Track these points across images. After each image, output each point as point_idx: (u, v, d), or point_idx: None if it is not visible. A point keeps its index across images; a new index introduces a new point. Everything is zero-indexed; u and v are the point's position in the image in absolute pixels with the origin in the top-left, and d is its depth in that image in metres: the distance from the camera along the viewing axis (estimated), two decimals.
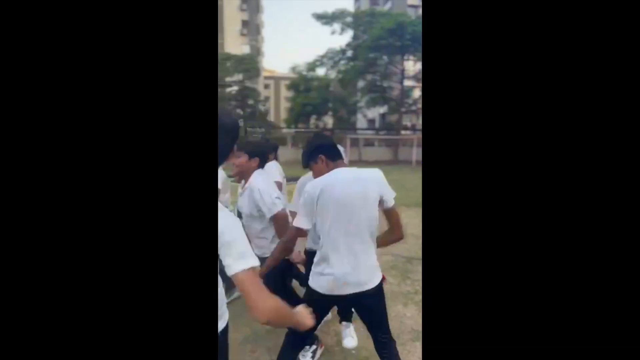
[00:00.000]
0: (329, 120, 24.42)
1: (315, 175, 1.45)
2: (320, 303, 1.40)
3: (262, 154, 1.83)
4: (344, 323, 2.07)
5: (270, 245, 1.81)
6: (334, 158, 1.44)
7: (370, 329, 1.49)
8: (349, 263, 1.34)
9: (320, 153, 1.44)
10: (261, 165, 1.83)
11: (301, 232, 1.41)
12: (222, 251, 0.80)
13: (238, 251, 0.80)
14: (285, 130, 23.91)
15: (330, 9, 20.74)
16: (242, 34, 29.93)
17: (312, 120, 21.89)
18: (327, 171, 1.41)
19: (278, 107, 38.36)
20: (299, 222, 1.38)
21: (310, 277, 1.43)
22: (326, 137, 1.53)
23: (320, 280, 1.38)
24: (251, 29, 30.22)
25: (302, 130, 22.00)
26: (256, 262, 0.82)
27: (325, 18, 20.35)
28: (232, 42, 28.85)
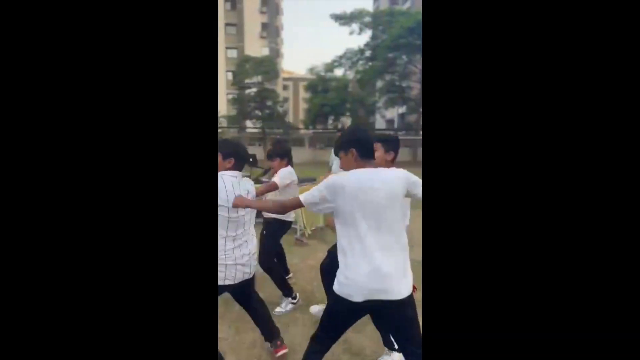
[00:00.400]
0: (347, 121, 24.32)
1: (342, 165, 1.43)
2: (346, 312, 1.34)
3: (238, 156, 1.71)
4: (386, 350, 1.92)
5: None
6: (364, 156, 1.39)
7: (399, 341, 1.41)
8: (374, 266, 1.27)
9: (353, 147, 1.38)
10: (236, 167, 1.71)
11: (297, 206, 1.40)
12: None
13: None
14: (303, 131, 24.03)
15: (349, 9, 20.59)
16: (262, 37, 30.30)
17: (330, 120, 21.86)
18: (355, 166, 1.37)
19: (297, 108, 38.58)
20: (306, 198, 1.34)
21: (335, 283, 1.37)
22: (366, 132, 1.46)
23: (343, 286, 1.32)
24: (271, 31, 30.56)
25: (320, 131, 22.03)
26: None
27: (343, 19, 20.28)
28: (251, 45, 29.27)
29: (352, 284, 1.29)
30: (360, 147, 1.38)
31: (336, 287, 1.35)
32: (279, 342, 1.88)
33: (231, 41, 30.42)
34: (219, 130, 22.36)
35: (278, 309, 2.43)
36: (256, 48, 28.70)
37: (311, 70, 22.26)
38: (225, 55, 30.10)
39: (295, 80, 38.65)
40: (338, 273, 1.35)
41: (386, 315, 1.38)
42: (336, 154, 1.46)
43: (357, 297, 1.28)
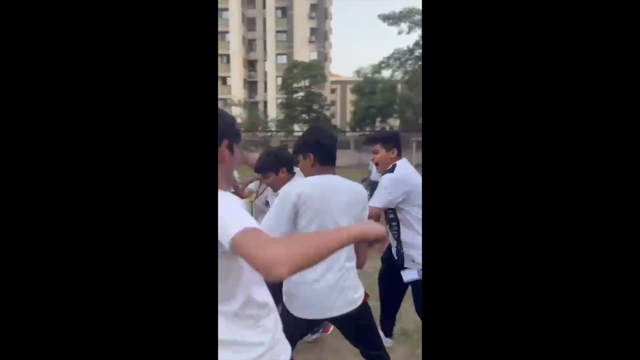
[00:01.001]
0: (395, 122, 23.79)
1: (301, 169, 1.32)
2: (295, 327, 1.24)
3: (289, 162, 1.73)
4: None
5: None
6: (323, 162, 1.23)
7: (357, 346, 1.35)
8: (323, 281, 1.19)
9: (311, 151, 1.23)
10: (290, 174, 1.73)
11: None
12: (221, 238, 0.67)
13: (225, 223, 0.66)
14: (349, 134, 23.97)
15: (397, 8, 20.06)
16: (311, 42, 30.89)
17: (377, 123, 21.53)
18: (313, 172, 1.24)
19: (344, 110, 38.68)
20: (265, 226, 1.18)
21: (283, 295, 1.28)
22: (327, 134, 1.29)
23: (292, 300, 1.24)
24: (319, 35, 31.04)
25: (367, 133, 21.80)
26: (252, 223, 0.66)
27: (392, 18, 19.86)
28: (300, 50, 29.97)
29: (294, 301, 1.23)
30: (319, 152, 1.22)
31: (284, 299, 1.27)
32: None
33: (281, 48, 31.46)
34: (269, 134, 23.21)
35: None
36: (305, 53, 29.30)
37: (358, 72, 22.14)
38: (275, 62, 31.24)
39: (343, 83, 38.81)
40: (284, 284, 1.27)
41: (337, 327, 1.34)
42: (294, 154, 1.34)
43: (300, 314, 1.22)
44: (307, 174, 1.26)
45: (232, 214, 0.69)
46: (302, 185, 1.19)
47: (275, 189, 1.68)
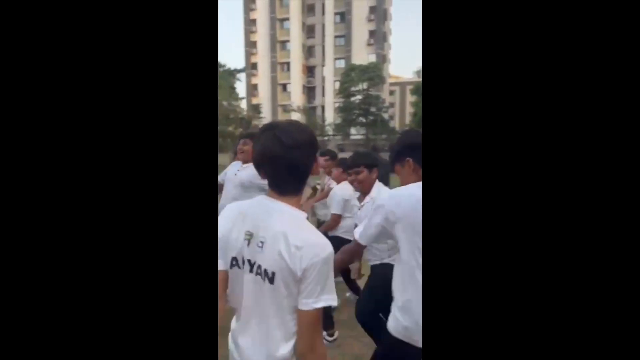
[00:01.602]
0: None
1: (401, 181, 1.19)
2: (405, 356, 1.07)
3: (377, 164, 1.78)
4: None
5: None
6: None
7: None
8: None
9: (409, 155, 1.11)
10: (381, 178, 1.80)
11: (361, 249, 1.20)
12: (304, 281, 0.74)
13: (323, 286, 0.75)
14: None
15: None
16: (369, 44, 30.68)
17: None
18: (414, 179, 1.11)
19: (403, 112, 37.61)
20: (362, 236, 1.15)
21: (389, 319, 1.12)
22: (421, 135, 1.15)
23: (401, 325, 1.07)
24: (378, 37, 30.68)
25: None
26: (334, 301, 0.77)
27: None
28: (358, 53, 29.95)
29: (407, 321, 1.05)
30: (418, 155, 1.10)
31: (389, 324, 1.11)
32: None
33: (339, 52, 31.78)
34: (325, 138, 23.59)
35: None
36: (363, 56, 29.19)
37: (418, 72, 21.40)
38: (333, 66, 31.68)
39: (403, 84, 37.74)
40: (393, 305, 1.12)
41: None
42: (393, 171, 1.22)
43: (416, 340, 1.04)
44: (406, 181, 1.15)
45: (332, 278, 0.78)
46: (391, 197, 1.13)
47: (362, 188, 1.78)
